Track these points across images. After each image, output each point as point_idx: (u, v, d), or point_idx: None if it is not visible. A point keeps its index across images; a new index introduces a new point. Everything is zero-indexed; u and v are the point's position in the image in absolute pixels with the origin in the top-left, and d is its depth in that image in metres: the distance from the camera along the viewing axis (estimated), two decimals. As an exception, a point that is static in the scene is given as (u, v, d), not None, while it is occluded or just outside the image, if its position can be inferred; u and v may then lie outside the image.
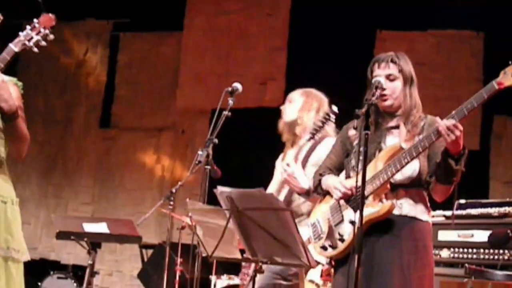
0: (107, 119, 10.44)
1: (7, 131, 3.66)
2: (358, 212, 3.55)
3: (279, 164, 4.93)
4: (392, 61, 3.96)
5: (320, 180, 4.10)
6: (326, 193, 4.08)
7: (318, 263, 4.33)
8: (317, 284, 6.28)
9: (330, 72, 7.98)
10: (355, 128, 3.79)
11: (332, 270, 4.18)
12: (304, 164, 4.77)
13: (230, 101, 4.80)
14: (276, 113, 5.20)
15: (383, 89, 3.89)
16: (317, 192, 4.15)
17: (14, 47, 3.56)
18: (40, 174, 10.42)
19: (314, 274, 6.16)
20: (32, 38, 3.57)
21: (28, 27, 3.58)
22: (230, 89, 4.84)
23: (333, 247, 3.90)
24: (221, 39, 9.56)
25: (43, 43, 3.60)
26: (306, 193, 4.52)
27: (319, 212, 4.06)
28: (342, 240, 3.86)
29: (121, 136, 10.21)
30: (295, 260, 3.68)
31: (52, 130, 10.42)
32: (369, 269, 3.73)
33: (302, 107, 4.95)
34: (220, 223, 3.81)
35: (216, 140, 4.60)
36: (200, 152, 4.51)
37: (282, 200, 4.71)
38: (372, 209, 3.78)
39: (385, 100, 3.92)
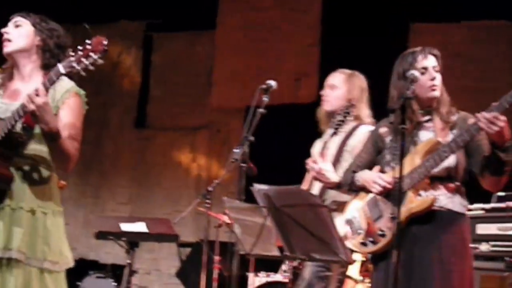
0: (143, 120, 10.49)
1: (50, 149, 3.65)
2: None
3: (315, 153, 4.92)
4: (432, 53, 3.97)
5: (353, 177, 4.09)
6: (360, 189, 4.06)
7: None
8: (355, 280, 6.27)
9: (363, 66, 7.93)
10: (392, 123, 3.77)
11: (371, 266, 4.17)
12: (340, 152, 4.76)
13: (265, 99, 4.79)
14: (310, 109, 5.19)
15: (433, 79, 3.89)
16: (351, 189, 4.13)
17: (62, 69, 3.48)
18: (77, 175, 10.49)
19: (352, 270, 6.15)
20: (81, 61, 3.47)
21: (79, 47, 3.48)
22: (264, 86, 4.83)
23: (374, 242, 3.89)
24: (254, 36, 9.56)
25: (91, 67, 3.49)
26: (337, 187, 4.50)
27: (355, 208, 4.05)
28: (383, 235, 3.85)
29: (157, 136, 10.26)
30: (333, 256, 3.68)
31: (88, 131, 10.36)
32: (409, 263, 3.72)
33: (346, 95, 4.93)
34: (258, 220, 3.81)
35: (251, 138, 4.60)
36: (236, 150, 4.51)
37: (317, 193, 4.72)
38: (412, 203, 3.76)
39: (434, 90, 3.91)
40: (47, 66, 3.74)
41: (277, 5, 9.55)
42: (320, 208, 3.59)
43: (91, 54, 3.47)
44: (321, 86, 8.57)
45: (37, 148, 3.66)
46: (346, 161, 4.74)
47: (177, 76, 10.21)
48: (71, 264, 3.77)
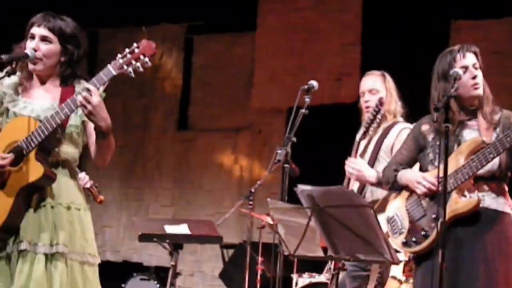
0: (184, 122, 10.52)
1: (101, 146, 3.74)
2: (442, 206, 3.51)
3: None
4: (470, 51, 3.93)
5: (395, 176, 4.06)
6: (402, 188, 4.03)
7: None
8: (399, 280, 6.21)
9: (405, 65, 7.89)
10: (436, 121, 3.74)
11: (414, 265, 4.14)
12: (377, 151, 4.73)
13: (307, 99, 4.79)
14: (352, 109, 5.17)
15: (474, 77, 3.85)
16: (393, 187, 4.10)
17: (112, 70, 3.55)
18: (120, 178, 10.57)
19: (396, 270, 6.10)
20: (131, 63, 3.53)
21: (127, 50, 3.54)
22: (306, 87, 4.82)
23: (417, 242, 3.86)
24: (294, 36, 9.54)
25: (141, 69, 3.55)
26: (378, 184, 4.48)
27: (396, 206, 4.02)
28: (426, 236, 3.82)
29: (199, 138, 10.28)
30: (378, 256, 3.66)
31: (130, 134, 10.56)
32: (453, 263, 3.69)
33: (388, 96, 4.91)
34: (301, 221, 3.81)
35: (294, 138, 4.59)
36: (279, 151, 4.51)
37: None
38: (457, 205, 3.73)
39: (477, 88, 3.88)
40: (64, 75, 3.82)
41: (316, 5, 9.51)
42: (364, 208, 3.58)
43: (141, 56, 3.52)
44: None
45: (67, 147, 3.75)
46: (384, 161, 4.72)
47: (218, 78, 10.22)
48: (99, 259, 3.85)
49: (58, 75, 3.82)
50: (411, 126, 4.79)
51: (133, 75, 3.55)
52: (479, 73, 3.90)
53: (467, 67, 3.89)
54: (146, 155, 10.56)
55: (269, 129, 9.57)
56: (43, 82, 3.82)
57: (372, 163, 4.79)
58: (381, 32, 8.75)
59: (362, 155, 4.89)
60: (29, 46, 3.74)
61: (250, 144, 9.92)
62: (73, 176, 3.82)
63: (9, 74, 3.79)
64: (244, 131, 9.98)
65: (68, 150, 3.76)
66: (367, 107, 4.88)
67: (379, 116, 4.65)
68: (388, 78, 5.01)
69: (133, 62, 3.52)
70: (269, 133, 9.58)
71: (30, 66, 3.76)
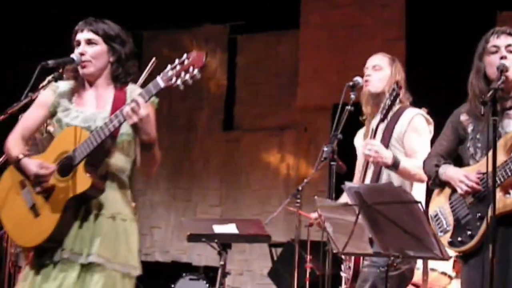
0: (230, 121, 10.54)
1: (143, 158, 3.74)
2: (487, 205, 3.47)
3: (361, 143, 4.80)
4: (506, 32, 3.87)
5: (437, 172, 3.99)
6: (444, 184, 3.97)
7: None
8: (449, 276, 6.17)
9: (450, 58, 7.80)
10: (483, 115, 3.69)
11: (460, 263, 4.08)
12: (388, 139, 4.66)
13: (352, 96, 4.76)
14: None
15: (502, 58, 3.79)
16: (434, 184, 4.04)
17: (161, 82, 3.51)
18: (167, 178, 10.63)
19: (446, 266, 6.04)
20: (179, 76, 3.46)
21: (176, 61, 3.50)
22: (351, 83, 4.80)
23: (463, 242, 3.82)
24: (337, 33, 9.50)
25: (190, 82, 3.47)
26: (393, 166, 4.41)
27: (439, 204, 3.97)
28: (472, 236, 3.77)
29: (244, 137, 10.30)
30: (428, 253, 3.62)
31: (176, 135, 10.62)
32: (503, 262, 3.64)
33: (391, 78, 4.82)
34: (350, 219, 3.78)
35: (340, 135, 4.58)
36: (325, 148, 4.50)
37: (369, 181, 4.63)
38: (502, 203, 3.66)
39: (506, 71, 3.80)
40: (117, 77, 3.82)
41: (358, 1, 9.47)
42: (413, 204, 3.54)
43: (190, 68, 3.46)
44: (408, 81, 8.47)
45: (117, 157, 3.74)
46: (395, 148, 4.63)
47: (262, 77, 10.23)
48: (140, 271, 3.81)
49: (110, 77, 3.82)
50: (422, 112, 4.70)
51: (182, 87, 3.48)
52: (510, 56, 3.82)
53: (499, 47, 3.83)
54: (192, 155, 10.60)
55: (315, 126, 9.54)
56: (95, 87, 3.82)
57: None
58: (425, 26, 8.66)
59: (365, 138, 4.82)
60: (76, 51, 3.77)
61: (296, 142, 9.90)
62: (122, 187, 3.79)
63: (56, 79, 3.83)
64: (290, 129, 9.97)
65: (118, 161, 3.75)
66: (366, 81, 4.80)
67: (397, 101, 4.55)
68: (398, 63, 4.91)
69: (182, 74, 3.46)
70: (315, 130, 9.55)
71: (81, 71, 3.78)
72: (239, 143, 10.31)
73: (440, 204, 3.98)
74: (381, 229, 3.73)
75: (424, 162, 4.14)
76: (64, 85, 3.84)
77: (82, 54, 3.74)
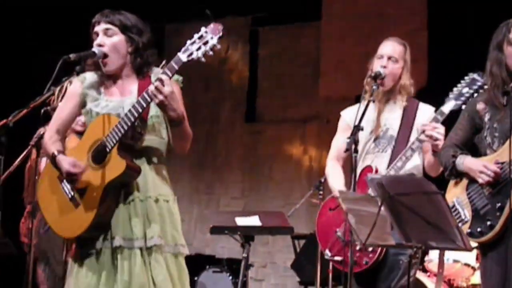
0: (252, 114, 10.54)
1: (174, 134, 3.79)
2: (507, 195, 3.44)
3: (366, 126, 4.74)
4: None
5: (454, 162, 3.97)
6: (461, 174, 3.95)
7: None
8: (473, 268, 6.14)
9: (473, 49, 7.73)
10: (505, 105, 3.66)
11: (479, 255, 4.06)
12: (409, 129, 4.64)
13: (374, 87, 4.74)
14: (421, 95, 5.09)
15: None
16: (451, 174, 4.02)
17: (183, 57, 3.59)
18: (190, 171, 10.65)
19: (470, 258, 6.02)
20: (200, 48, 3.56)
21: (195, 35, 3.59)
22: (372, 74, 4.78)
23: (483, 233, 3.80)
24: (359, 23, 9.46)
25: (211, 53, 3.59)
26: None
27: (456, 195, 3.95)
28: (491, 226, 3.75)
29: (267, 129, 10.29)
30: (450, 244, 3.60)
31: (199, 128, 10.62)
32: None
33: (404, 69, 4.80)
34: (372, 210, 3.77)
35: (362, 127, 4.56)
36: (347, 140, 4.48)
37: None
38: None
39: None
40: (138, 68, 3.85)
41: (379, -9, 9.45)
42: (435, 195, 3.52)
43: (209, 39, 3.54)
44: (430, 71, 8.42)
45: (150, 139, 3.78)
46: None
47: (285, 68, 10.22)
48: (188, 250, 3.92)
49: (131, 67, 3.87)
50: (433, 108, 4.66)
51: (203, 59, 3.58)
52: None
53: None
54: (215, 148, 10.61)
55: (337, 118, 9.49)
56: (119, 78, 3.88)
57: (405, 143, 4.66)
58: (447, 16, 8.60)
59: (376, 131, 4.78)
60: (94, 44, 3.81)
61: (318, 134, 9.88)
62: (159, 168, 3.86)
63: (77, 73, 3.85)
64: (312, 121, 9.95)
65: (152, 142, 3.82)
66: (386, 74, 4.74)
67: (478, 92, 4.47)
68: (408, 51, 4.89)
69: (202, 46, 3.55)
70: (337, 122, 9.50)
71: (103, 70, 3.83)
72: (262, 135, 10.30)
73: (457, 195, 3.97)
74: (404, 220, 3.71)
75: (440, 153, 4.13)
76: (91, 75, 3.92)
77: (100, 45, 3.78)
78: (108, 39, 3.81)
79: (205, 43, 3.56)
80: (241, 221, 6.09)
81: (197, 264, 9.79)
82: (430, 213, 3.57)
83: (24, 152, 5.32)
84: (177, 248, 3.79)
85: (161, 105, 3.60)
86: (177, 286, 3.72)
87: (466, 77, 4.28)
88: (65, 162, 3.73)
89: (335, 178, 5.01)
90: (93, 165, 3.71)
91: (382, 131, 4.79)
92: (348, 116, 4.89)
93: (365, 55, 5.03)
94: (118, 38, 3.82)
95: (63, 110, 3.96)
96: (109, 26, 3.81)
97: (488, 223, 3.77)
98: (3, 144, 3.48)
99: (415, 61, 8.49)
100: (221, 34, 3.58)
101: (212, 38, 3.55)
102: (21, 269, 5.61)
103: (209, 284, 9.50)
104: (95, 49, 3.80)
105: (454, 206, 3.96)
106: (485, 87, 4.10)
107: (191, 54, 3.57)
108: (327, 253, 4.97)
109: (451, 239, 3.56)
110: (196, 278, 9.53)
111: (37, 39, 9.48)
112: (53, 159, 3.79)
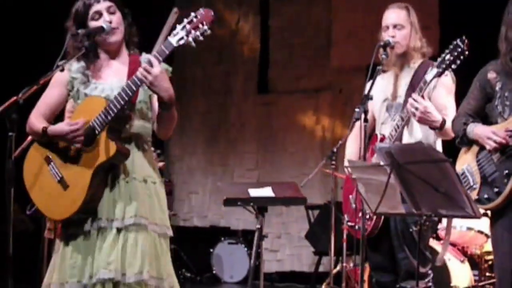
0: (265, 85, 10.53)
1: (162, 119, 3.81)
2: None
3: (376, 93, 4.73)
4: None
5: (465, 130, 3.97)
6: (472, 142, 3.95)
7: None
8: (486, 235, 6.15)
9: (485, 16, 7.68)
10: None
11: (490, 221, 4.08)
12: (414, 91, 4.60)
13: (383, 56, 4.72)
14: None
15: None
16: (462, 142, 4.02)
17: (173, 41, 3.60)
18: (204, 144, 10.68)
19: (483, 225, 6.02)
20: (190, 33, 3.58)
21: (185, 20, 3.60)
22: (382, 43, 4.76)
23: (490, 199, 3.81)
24: (371, -8, 9.41)
25: (201, 38, 3.59)
26: (441, 127, 4.35)
27: (466, 161, 3.96)
28: (499, 193, 3.76)
29: (280, 100, 10.29)
30: (460, 211, 3.61)
31: (212, 100, 10.65)
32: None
33: (412, 32, 4.76)
34: (382, 179, 3.78)
35: (371, 96, 4.55)
36: (357, 109, 4.48)
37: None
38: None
39: None
40: (129, 42, 3.93)
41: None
42: (444, 163, 3.53)
43: (200, 25, 3.57)
44: (442, 39, 8.35)
45: (138, 123, 3.81)
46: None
47: (296, 39, 10.18)
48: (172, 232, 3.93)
49: (124, 43, 3.93)
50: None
51: (193, 44, 3.59)
52: None
53: None
54: (228, 120, 10.63)
55: (350, 87, 9.49)
56: (110, 57, 3.90)
57: None
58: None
59: (393, 99, 4.77)
60: (102, 21, 3.82)
61: (331, 104, 9.87)
62: (147, 151, 3.89)
63: (86, 49, 3.86)
64: (325, 91, 9.94)
65: (140, 126, 3.84)
66: (396, 42, 4.70)
67: (461, 58, 4.43)
68: (412, 11, 4.84)
69: (193, 31, 3.57)
70: (350, 91, 9.50)
71: (109, 40, 3.84)
72: (275, 106, 10.30)
73: (467, 162, 3.98)
74: (413, 188, 3.72)
75: (453, 121, 4.13)
76: (76, 63, 3.90)
77: (109, 22, 3.80)
78: (114, 16, 3.85)
79: (196, 28, 3.57)
80: (254, 192, 6.09)
81: (212, 236, 9.88)
82: (439, 181, 3.58)
83: (29, 139, 5.34)
84: (163, 229, 3.82)
85: (152, 86, 3.60)
86: (153, 265, 3.72)
87: (451, 44, 4.26)
88: (62, 126, 3.73)
89: (348, 147, 5.04)
90: (82, 148, 3.72)
91: (395, 98, 4.78)
92: (367, 88, 4.85)
93: (377, 24, 5.00)
94: (119, 14, 3.87)
95: (47, 95, 3.92)
96: (110, 3, 3.85)
97: (496, 189, 3.78)
98: (14, 121, 3.47)
99: (426, 28, 8.45)
100: (212, 19, 3.58)
101: (202, 24, 3.56)
102: (37, 244, 5.68)
103: (225, 255, 9.58)
104: (103, 23, 3.81)
105: (463, 173, 3.97)
106: (466, 53, 4.09)
107: (181, 39, 3.59)
108: (345, 217, 5.03)
109: (460, 206, 3.57)
110: (211, 250, 9.61)
111: (47, 15, 9.49)
112: (43, 133, 3.77)
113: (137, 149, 3.82)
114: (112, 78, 3.85)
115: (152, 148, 4.07)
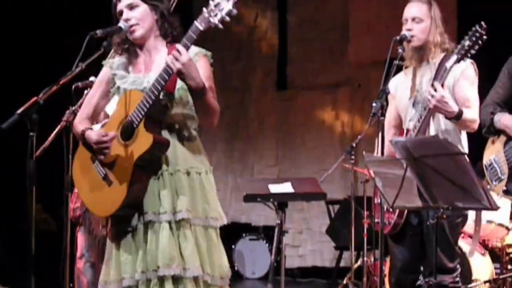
0: (283, 81, 10.55)
1: (197, 107, 3.82)
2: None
3: (402, 90, 4.73)
4: None
5: (492, 119, 3.96)
6: (499, 132, 3.94)
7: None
8: (507, 228, 6.14)
9: (505, 8, 7.66)
10: None
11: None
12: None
13: (400, 50, 4.72)
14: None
15: None
16: (489, 132, 4.01)
17: (199, 25, 3.59)
18: (224, 141, 10.71)
19: (504, 218, 6.01)
20: (216, 14, 3.56)
21: (211, 2, 3.58)
22: (398, 37, 4.76)
23: None
24: (387, -14, 9.41)
25: (227, 19, 3.56)
26: (457, 117, 4.33)
27: (494, 152, 3.95)
28: None
29: (298, 96, 10.30)
30: (476, 204, 3.62)
31: (231, 97, 10.67)
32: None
33: (432, 26, 4.73)
34: (398, 172, 3.80)
35: (389, 90, 4.56)
36: (374, 104, 4.49)
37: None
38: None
39: None
40: (166, 34, 3.91)
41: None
42: (459, 156, 3.54)
43: (224, 5, 3.54)
44: (460, 32, 8.32)
45: (178, 111, 3.82)
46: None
47: (314, 34, 10.18)
48: (225, 220, 3.96)
49: (159, 35, 3.92)
50: (472, 61, 4.57)
51: (221, 26, 3.57)
52: None
53: None
54: (247, 117, 10.66)
55: (368, 82, 9.48)
56: (147, 51, 3.92)
57: None
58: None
59: (412, 94, 4.76)
60: (121, 20, 3.86)
61: (350, 99, 9.88)
62: (190, 140, 3.88)
63: (105, 49, 3.91)
64: (344, 86, 9.94)
65: (181, 114, 3.84)
66: (412, 36, 4.69)
67: (478, 43, 4.40)
68: (435, 6, 4.81)
69: (218, 12, 3.54)
70: (369, 86, 9.49)
71: (131, 37, 3.87)
72: (293, 102, 10.32)
73: (495, 153, 3.97)
74: (429, 181, 3.73)
75: (480, 110, 4.11)
76: (118, 59, 3.97)
77: (127, 20, 3.83)
78: (133, 12, 3.85)
79: (221, 9, 3.56)
80: (274, 188, 6.12)
81: (233, 232, 9.91)
82: (454, 174, 3.59)
83: (58, 128, 5.40)
84: (207, 221, 3.81)
85: (179, 74, 3.62)
86: (204, 258, 3.75)
87: (470, 30, 4.24)
88: (93, 134, 3.79)
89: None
90: (122, 142, 3.75)
91: (418, 94, 4.75)
92: (392, 85, 4.85)
93: (394, 18, 5.00)
94: (142, 8, 3.85)
95: (93, 96, 4.02)
96: (130, 0, 3.86)
97: None
98: (35, 121, 3.52)
99: (444, 21, 8.43)
100: (236, 0, 3.56)
101: (228, 2, 3.56)
102: (60, 244, 5.74)
103: (246, 251, 9.62)
104: (121, 24, 3.85)
105: (491, 164, 3.96)
106: (484, 37, 4.08)
107: (208, 21, 3.58)
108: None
109: (476, 199, 3.57)
110: (233, 246, 9.65)
111: (67, 16, 9.57)
112: (82, 136, 3.85)
113: (179, 138, 3.83)
114: (151, 70, 3.88)
115: None
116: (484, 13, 7.67)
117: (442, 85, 4.36)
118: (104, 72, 3.99)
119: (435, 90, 4.30)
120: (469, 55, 4.23)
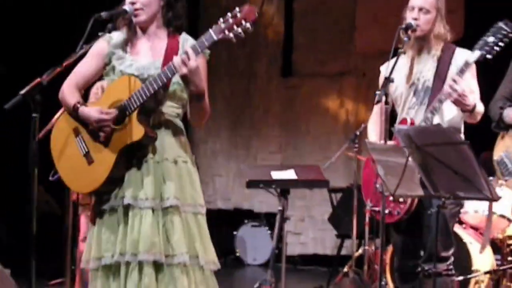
0: (289, 68, 10.54)
1: (191, 108, 3.83)
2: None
3: (397, 77, 4.72)
4: None
5: (501, 114, 3.96)
6: (509, 126, 3.94)
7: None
8: (508, 219, 6.12)
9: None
10: None
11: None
12: (443, 76, 4.57)
13: (405, 39, 4.71)
14: (457, 46, 5.03)
15: None
16: (499, 127, 4.01)
17: (214, 35, 3.57)
18: (228, 127, 10.72)
19: (505, 209, 5.99)
20: (232, 28, 3.53)
21: (229, 14, 3.55)
22: (404, 26, 4.75)
23: None
24: (395, -25, 9.37)
25: (242, 35, 3.54)
26: (472, 110, 4.33)
27: (504, 147, 3.95)
28: None
29: (304, 84, 10.29)
30: (478, 193, 3.62)
31: (236, 84, 10.66)
32: None
33: (437, 18, 4.72)
34: (400, 160, 3.80)
35: (393, 78, 4.55)
36: (378, 92, 4.48)
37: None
38: None
39: None
40: (169, 22, 3.89)
41: None
42: (462, 145, 3.54)
43: (243, 21, 3.53)
44: (467, 22, 8.31)
45: (170, 105, 3.83)
46: None
47: (320, 22, 10.16)
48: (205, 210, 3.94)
49: (162, 22, 3.90)
50: (469, 51, 4.55)
51: (234, 40, 3.55)
52: None
53: None
54: (252, 103, 10.65)
55: (373, 71, 9.40)
56: (148, 35, 3.90)
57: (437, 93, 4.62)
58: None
59: (409, 81, 4.75)
60: (127, 2, 3.85)
61: (355, 87, 9.87)
62: (177, 133, 3.88)
63: (109, 31, 3.90)
64: (349, 74, 9.94)
65: (171, 109, 3.85)
66: (417, 25, 4.65)
67: (503, 41, 4.38)
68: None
69: (235, 27, 3.53)
70: (374, 75, 9.37)
71: (134, 20, 3.86)
72: (299, 90, 10.31)
73: (505, 148, 3.96)
74: (431, 170, 3.73)
75: (490, 105, 4.11)
76: (118, 35, 3.93)
77: (133, 3, 3.82)
78: None
79: (238, 24, 3.54)
80: (277, 174, 6.13)
81: (235, 218, 9.94)
82: (457, 163, 3.58)
83: (61, 110, 5.40)
84: (196, 208, 3.83)
85: (184, 78, 3.64)
86: (197, 243, 3.77)
87: (493, 27, 4.22)
88: (93, 111, 3.75)
89: (370, 130, 5.02)
90: (112, 125, 3.76)
91: (419, 82, 4.75)
92: (386, 70, 4.85)
93: (401, 7, 4.98)
94: None
95: (84, 65, 3.94)
96: None
97: None
98: (38, 102, 3.51)
99: (451, 11, 8.37)
100: (255, 17, 3.55)
101: (245, 20, 3.53)
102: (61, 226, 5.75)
103: (248, 238, 9.64)
104: (126, 6, 3.84)
105: (502, 159, 3.96)
106: (510, 36, 4.05)
107: (223, 34, 3.56)
108: (368, 203, 5.03)
109: (478, 188, 3.57)
110: (235, 232, 9.68)
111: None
112: (74, 110, 3.81)
113: (167, 130, 3.83)
114: (148, 56, 3.87)
115: None
116: (492, 4, 7.70)
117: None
118: (101, 46, 3.90)
119: (456, 84, 4.28)
120: (494, 52, 4.20)
